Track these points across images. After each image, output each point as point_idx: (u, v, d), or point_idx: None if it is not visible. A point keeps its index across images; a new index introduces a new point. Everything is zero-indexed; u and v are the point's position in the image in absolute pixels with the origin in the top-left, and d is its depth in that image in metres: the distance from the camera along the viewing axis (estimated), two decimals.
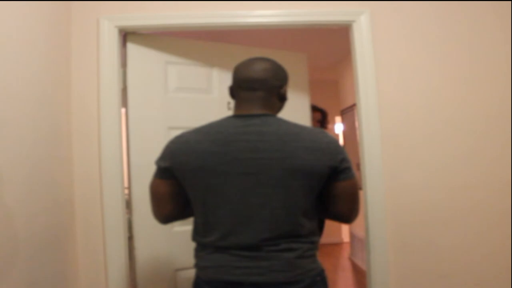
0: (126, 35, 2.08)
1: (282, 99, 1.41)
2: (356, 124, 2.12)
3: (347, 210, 1.37)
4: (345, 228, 6.10)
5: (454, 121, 2.04)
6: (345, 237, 6.05)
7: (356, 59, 2.05)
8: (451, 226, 2.02)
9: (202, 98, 2.24)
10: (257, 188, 1.26)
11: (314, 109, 2.77)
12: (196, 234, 1.37)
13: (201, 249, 1.35)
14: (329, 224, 6.01)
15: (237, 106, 1.38)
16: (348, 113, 4.93)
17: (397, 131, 2.03)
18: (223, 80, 2.28)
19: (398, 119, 2.04)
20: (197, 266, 1.36)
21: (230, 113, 1.43)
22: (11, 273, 1.40)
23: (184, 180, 1.33)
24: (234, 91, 1.40)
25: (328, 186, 1.33)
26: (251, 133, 1.29)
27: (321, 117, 2.77)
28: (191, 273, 1.43)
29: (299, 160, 1.26)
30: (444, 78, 2.05)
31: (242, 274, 1.26)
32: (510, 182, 2.01)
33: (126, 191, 2.00)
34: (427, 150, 2.03)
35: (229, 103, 2.24)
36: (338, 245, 5.98)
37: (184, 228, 1.91)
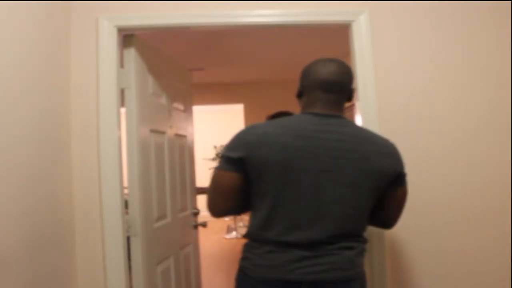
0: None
1: (350, 100, 1.44)
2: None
3: (396, 215, 1.44)
4: None
5: (454, 121, 2.04)
6: None
7: (356, 59, 2.05)
8: (451, 227, 2.02)
9: None
10: (332, 186, 1.28)
11: (285, 114, 2.92)
12: (255, 229, 1.33)
13: (258, 246, 1.32)
14: None
15: (310, 105, 1.38)
16: (348, 113, 4.93)
17: (396, 131, 2.03)
18: None
19: (397, 119, 2.04)
20: (248, 263, 1.33)
21: None
22: (10, 272, 1.39)
23: (259, 172, 1.29)
24: (307, 90, 1.39)
25: (388, 190, 1.37)
26: (331, 132, 1.31)
27: None
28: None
29: (373, 163, 1.30)
30: (443, 77, 2.06)
31: (301, 273, 1.25)
32: (510, 182, 2.02)
33: (126, 191, 2.00)
34: (427, 150, 2.03)
35: None
36: None
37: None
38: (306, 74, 1.40)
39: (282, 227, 1.27)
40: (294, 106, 7.01)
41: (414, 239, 2.01)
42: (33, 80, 1.62)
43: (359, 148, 1.30)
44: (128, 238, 2.00)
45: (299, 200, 1.27)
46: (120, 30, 2.02)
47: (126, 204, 2.02)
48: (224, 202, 1.35)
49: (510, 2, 2.07)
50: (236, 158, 1.30)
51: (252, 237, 1.35)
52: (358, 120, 2.07)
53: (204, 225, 2.63)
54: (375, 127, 2.01)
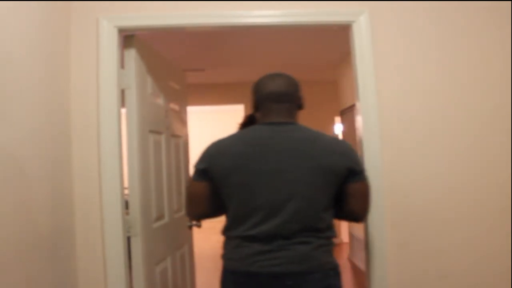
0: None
1: (300, 107, 1.61)
2: (356, 124, 2.12)
3: (360, 209, 1.56)
4: (344, 229, 6.10)
5: (454, 121, 2.04)
6: (344, 238, 6.05)
7: (356, 59, 2.05)
8: (451, 227, 2.02)
9: None
10: (285, 185, 1.43)
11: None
12: (226, 229, 1.52)
13: (228, 242, 1.52)
14: None
15: (264, 116, 1.55)
16: (348, 113, 4.93)
17: (396, 131, 2.03)
18: None
19: (397, 119, 2.04)
20: (224, 257, 1.53)
21: None
22: (10, 272, 1.39)
23: (220, 179, 1.48)
24: (260, 103, 1.56)
25: (345, 186, 1.49)
26: (280, 137, 1.48)
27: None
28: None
29: (322, 161, 1.45)
30: (443, 77, 2.05)
31: (260, 266, 1.41)
32: (510, 182, 2.01)
33: (126, 191, 2.00)
34: (427, 150, 2.03)
35: None
36: (337, 245, 5.98)
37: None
38: (256, 89, 1.57)
39: (246, 224, 1.44)
40: None
41: (414, 239, 2.01)
42: (33, 80, 1.62)
43: (309, 149, 1.46)
44: (128, 239, 2.00)
45: (255, 199, 1.44)
46: (121, 30, 2.02)
47: (126, 204, 2.02)
48: (197, 207, 1.57)
49: (510, 2, 2.07)
50: (201, 169, 1.51)
51: (225, 234, 1.53)
52: (359, 120, 2.06)
53: (198, 225, 2.61)
54: (376, 128, 2.01)
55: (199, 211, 1.58)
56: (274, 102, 1.52)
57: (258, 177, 1.44)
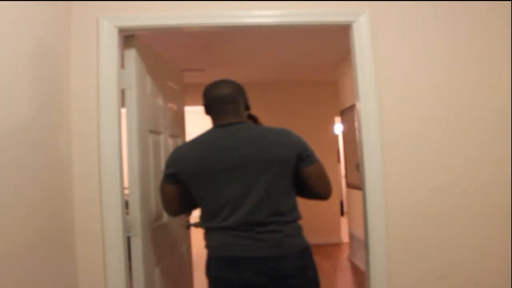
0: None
1: (247, 108, 1.78)
2: (356, 124, 2.12)
3: (320, 189, 1.70)
4: (344, 229, 6.10)
5: (453, 121, 2.04)
6: (344, 238, 6.05)
7: (356, 60, 2.05)
8: (451, 226, 2.02)
9: None
10: (242, 179, 1.61)
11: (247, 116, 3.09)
12: (203, 221, 1.69)
13: (208, 232, 1.69)
14: (328, 225, 6.04)
15: (215, 119, 1.72)
16: (348, 113, 4.93)
17: (396, 132, 2.03)
18: None
19: (397, 119, 2.04)
20: (206, 246, 1.69)
21: None
22: (10, 273, 1.39)
23: (187, 181, 1.68)
24: (209, 108, 1.74)
25: (300, 171, 1.66)
26: (231, 138, 1.65)
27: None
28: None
29: (270, 153, 1.62)
30: (443, 78, 2.05)
31: (239, 250, 1.59)
32: (510, 182, 2.01)
33: (126, 191, 2.00)
34: (427, 150, 2.03)
35: None
36: (337, 245, 5.98)
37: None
38: (205, 94, 1.75)
39: (219, 217, 1.62)
40: (294, 106, 6.99)
41: (414, 239, 2.01)
42: (33, 80, 1.62)
43: (258, 144, 1.63)
44: (128, 239, 2.00)
45: (221, 195, 1.62)
46: (121, 30, 2.02)
47: (126, 204, 2.02)
48: (171, 206, 1.79)
49: (510, 2, 2.07)
50: (170, 174, 1.71)
51: (204, 226, 1.70)
52: (359, 121, 2.07)
53: (196, 225, 2.61)
54: (376, 128, 2.01)
55: (174, 209, 1.80)
56: (220, 105, 1.70)
57: (220, 175, 1.61)
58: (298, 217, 1.67)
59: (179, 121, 2.72)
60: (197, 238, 3.05)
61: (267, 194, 1.60)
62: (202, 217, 1.70)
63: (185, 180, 1.67)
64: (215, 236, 1.64)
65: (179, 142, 2.70)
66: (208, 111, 1.75)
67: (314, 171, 1.67)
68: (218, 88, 1.73)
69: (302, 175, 1.66)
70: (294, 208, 1.67)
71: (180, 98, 2.76)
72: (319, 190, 1.70)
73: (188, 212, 1.82)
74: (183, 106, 2.82)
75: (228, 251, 1.60)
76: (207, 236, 1.69)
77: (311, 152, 1.68)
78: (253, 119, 3.24)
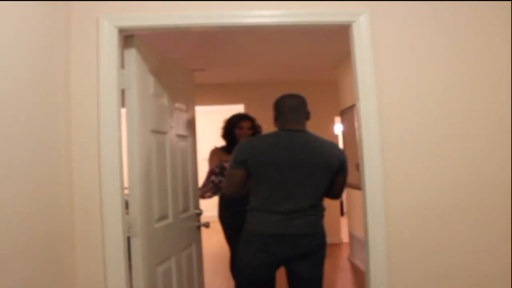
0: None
1: (308, 118, 2.18)
2: (356, 124, 2.13)
3: (338, 192, 2.25)
4: (344, 229, 6.10)
5: (453, 121, 2.04)
6: (345, 238, 6.05)
7: (356, 60, 2.05)
8: (451, 227, 2.02)
9: None
10: (297, 176, 2.04)
11: (243, 118, 3.36)
12: (257, 204, 2.09)
13: (255, 214, 2.09)
14: (328, 225, 6.02)
15: (283, 123, 2.13)
16: (348, 113, 4.93)
17: (396, 132, 2.03)
18: None
19: (397, 119, 2.04)
20: (250, 225, 2.10)
21: None
22: (10, 272, 1.40)
23: (253, 168, 2.06)
24: (280, 114, 2.14)
25: (335, 177, 2.15)
26: (297, 142, 2.08)
27: (250, 125, 3.31)
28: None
29: (323, 160, 2.08)
30: (443, 77, 2.06)
31: (283, 228, 2.02)
32: (510, 182, 2.01)
33: (126, 192, 2.00)
34: (427, 150, 2.03)
35: None
36: (337, 245, 5.98)
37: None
38: (279, 103, 2.16)
39: (275, 202, 2.04)
40: None
41: (414, 239, 2.01)
42: (33, 80, 1.62)
43: (316, 151, 2.08)
44: (128, 239, 2.00)
45: (280, 186, 2.04)
46: (121, 30, 2.02)
47: (126, 205, 2.02)
48: (233, 187, 2.14)
49: (510, 2, 2.07)
50: (240, 160, 2.08)
51: (255, 208, 2.09)
52: (358, 121, 2.07)
53: (206, 225, 2.63)
54: (376, 128, 2.01)
55: (234, 190, 2.13)
56: (292, 113, 2.11)
57: (281, 169, 2.03)
58: (324, 208, 2.16)
59: (188, 120, 2.71)
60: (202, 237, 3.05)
61: (312, 191, 2.07)
62: (257, 202, 2.09)
63: (252, 168, 2.05)
64: (264, 217, 2.05)
65: (190, 141, 2.69)
66: (277, 118, 2.17)
67: (342, 179, 2.18)
68: (292, 100, 2.15)
69: (336, 179, 2.16)
70: (322, 202, 2.16)
71: (190, 97, 2.76)
72: (337, 192, 2.24)
73: (241, 194, 2.16)
74: (193, 106, 2.82)
75: (274, 228, 2.02)
76: (253, 217, 2.10)
77: (346, 165, 2.18)
78: (250, 121, 3.34)
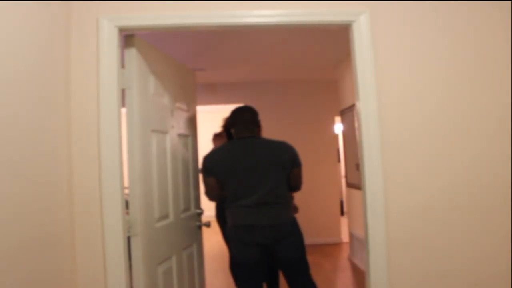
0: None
1: (259, 127, 2.57)
2: (356, 124, 2.13)
3: (298, 183, 2.56)
4: (344, 229, 6.10)
5: (453, 120, 2.04)
6: (345, 238, 6.06)
7: (356, 59, 2.05)
8: (451, 227, 2.02)
9: None
10: (257, 175, 2.38)
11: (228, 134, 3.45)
12: (229, 202, 2.44)
13: (230, 211, 2.44)
14: (328, 225, 6.05)
15: (238, 133, 2.51)
16: (348, 113, 4.93)
17: (396, 131, 2.03)
18: None
19: (397, 119, 2.04)
20: (229, 219, 2.45)
21: None
22: (10, 272, 1.40)
23: (221, 176, 2.43)
24: (235, 125, 2.52)
25: (290, 171, 2.47)
26: (250, 146, 2.46)
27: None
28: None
29: (277, 158, 2.43)
30: (444, 77, 2.06)
31: (253, 220, 2.36)
32: (510, 182, 2.02)
33: (126, 191, 2.00)
34: (427, 150, 2.03)
35: None
36: (337, 245, 5.99)
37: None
38: (234, 115, 2.55)
39: (241, 199, 2.39)
40: (294, 105, 6.95)
41: (414, 239, 2.01)
42: (33, 80, 1.62)
43: (270, 152, 2.44)
44: (128, 238, 2.00)
45: (243, 185, 2.39)
46: (121, 30, 2.02)
47: (126, 204, 2.02)
48: (212, 192, 2.51)
49: (510, 2, 2.07)
50: (208, 171, 2.48)
51: (229, 205, 2.45)
52: (358, 121, 2.07)
53: (207, 225, 2.64)
54: (376, 128, 2.01)
55: (214, 194, 2.50)
56: (245, 124, 2.50)
57: (243, 172, 2.39)
58: (288, 198, 2.49)
59: (190, 120, 2.71)
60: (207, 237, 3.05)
61: (273, 185, 2.38)
62: (228, 200, 2.44)
63: (219, 174, 2.43)
64: (236, 212, 2.40)
65: (191, 141, 2.70)
66: (232, 127, 2.55)
67: (297, 172, 2.51)
68: (245, 112, 2.54)
69: (291, 173, 2.48)
70: (286, 193, 2.48)
71: (191, 97, 2.76)
72: (296, 184, 2.55)
73: (221, 197, 2.55)
74: (194, 105, 2.82)
75: (245, 220, 2.36)
76: (230, 213, 2.45)
77: (298, 158, 2.51)
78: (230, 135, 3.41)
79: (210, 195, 2.52)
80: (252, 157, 2.40)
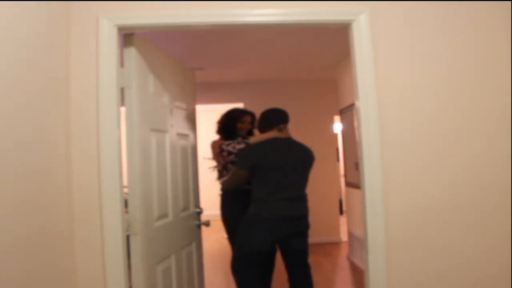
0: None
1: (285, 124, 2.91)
2: (355, 123, 2.12)
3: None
4: (343, 228, 6.11)
5: (453, 120, 2.04)
6: (344, 237, 6.06)
7: (355, 59, 2.05)
8: (451, 227, 2.02)
9: None
10: (290, 173, 2.73)
11: (245, 112, 3.47)
12: (266, 195, 2.69)
13: (259, 202, 2.70)
14: (327, 224, 6.05)
15: (275, 132, 2.83)
16: (347, 112, 4.93)
17: (396, 131, 2.03)
18: None
19: (397, 119, 2.04)
20: (254, 210, 2.70)
21: None
22: (9, 272, 1.40)
23: (260, 169, 2.71)
24: (271, 125, 2.85)
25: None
26: (288, 147, 2.81)
27: (251, 119, 3.41)
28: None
29: (304, 159, 2.86)
30: (444, 77, 2.05)
31: (292, 211, 2.71)
32: (510, 182, 2.02)
33: (125, 190, 2.00)
34: (427, 149, 2.03)
35: None
36: (336, 244, 5.99)
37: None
38: (266, 116, 2.91)
39: (275, 194, 2.67)
40: (293, 104, 7.01)
41: (414, 239, 2.01)
42: (32, 79, 1.62)
43: (297, 153, 2.82)
44: (128, 237, 2.00)
45: (278, 181, 2.69)
46: (120, 29, 2.02)
47: (126, 203, 2.02)
48: (236, 183, 2.93)
49: (510, 2, 2.07)
50: (247, 164, 2.74)
51: (262, 199, 2.70)
52: (358, 120, 2.07)
53: (207, 224, 2.64)
54: (375, 127, 2.01)
55: (236, 184, 2.93)
56: (279, 124, 2.84)
57: (281, 168, 2.70)
58: (307, 195, 2.85)
59: (189, 119, 2.71)
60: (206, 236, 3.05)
61: (303, 182, 2.82)
62: (261, 194, 2.69)
63: (258, 169, 2.70)
64: (268, 205, 2.66)
65: (190, 140, 2.70)
66: (261, 126, 2.92)
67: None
68: (278, 113, 2.89)
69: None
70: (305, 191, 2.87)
71: (191, 96, 2.76)
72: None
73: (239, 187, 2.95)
74: (194, 105, 2.82)
75: (277, 212, 2.65)
76: (258, 204, 2.69)
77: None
78: (250, 116, 3.47)
79: (234, 184, 2.93)
80: (294, 156, 2.77)
